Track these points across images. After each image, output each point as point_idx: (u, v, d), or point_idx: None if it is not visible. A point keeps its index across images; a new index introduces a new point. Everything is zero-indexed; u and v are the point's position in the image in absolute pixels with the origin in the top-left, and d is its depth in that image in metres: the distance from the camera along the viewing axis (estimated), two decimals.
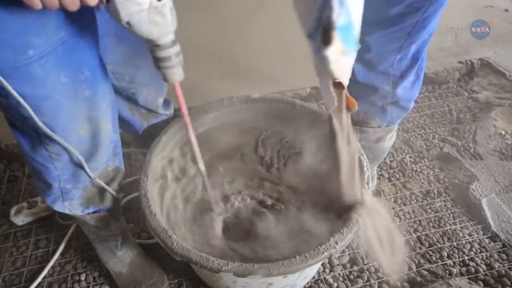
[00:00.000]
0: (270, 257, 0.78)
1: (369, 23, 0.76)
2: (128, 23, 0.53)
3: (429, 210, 1.22)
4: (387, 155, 1.35)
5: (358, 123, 1.01)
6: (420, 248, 1.12)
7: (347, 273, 1.06)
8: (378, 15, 0.76)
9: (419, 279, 1.04)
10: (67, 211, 0.81)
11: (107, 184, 0.82)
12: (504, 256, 1.10)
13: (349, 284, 1.04)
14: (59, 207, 0.80)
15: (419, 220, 1.19)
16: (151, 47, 0.59)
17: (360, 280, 1.04)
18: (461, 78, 1.72)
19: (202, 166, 0.80)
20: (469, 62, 1.71)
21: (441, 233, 1.15)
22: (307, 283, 1.03)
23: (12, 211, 1.17)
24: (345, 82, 0.59)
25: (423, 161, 1.37)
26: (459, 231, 1.16)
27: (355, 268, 1.07)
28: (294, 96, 1.55)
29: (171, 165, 0.96)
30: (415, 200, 1.25)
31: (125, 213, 1.15)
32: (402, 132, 1.48)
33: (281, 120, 1.02)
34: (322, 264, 1.07)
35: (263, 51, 1.45)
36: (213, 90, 1.39)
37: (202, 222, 0.89)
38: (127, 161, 1.32)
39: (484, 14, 1.97)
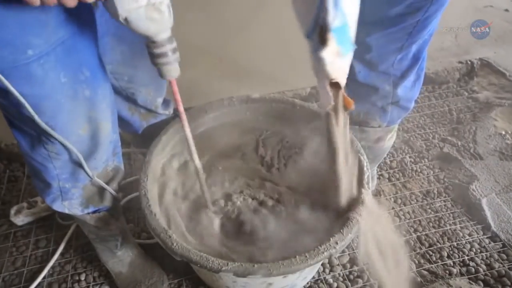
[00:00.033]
0: (270, 257, 0.78)
1: (369, 23, 0.77)
2: (126, 19, 0.53)
3: (429, 210, 1.22)
4: (387, 155, 1.35)
5: (359, 123, 1.01)
6: (420, 248, 1.12)
7: (347, 273, 1.06)
8: (379, 15, 0.76)
9: (419, 279, 1.04)
10: (66, 211, 0.81)
11: (107, 183, 0.82)
12: (504, 256, 1.10)
13: (349, 284, 1.04)
14: (58, 206, 0.80)
15: (419, 220, 1.19)
16: (148, 43, 0.59)
17: (360, 280, 1.04)
18: (461, 78, 1.72)
19: (197, 162, 0.79)
20: (469, 62, 1.71)
21: (441, 233, 1.15)
22: (307, 283, 1.03)
23: (12, 211, 1.17)
24: (342, 82, 0.59)
25: (423, 161, 1.37)
26: (459, 231, 1.16)
27: (355, 268, 1.07)
28: (294, 96, 1.55)
29: (171, 163, 0.95)
30: (415, 200, 1.25)
31: (125, 213, 1.15)
32: (402, 132, 1.48)
33: (281, 120, 1.02)
34: (322, 264, 1.07)
35: (263, 51, 1.45)
36: (213, 90, 1.39)
37: (198, 220, 0.89)
38: (127, 161, 1.32)
39: (484, 14, 1.96)
